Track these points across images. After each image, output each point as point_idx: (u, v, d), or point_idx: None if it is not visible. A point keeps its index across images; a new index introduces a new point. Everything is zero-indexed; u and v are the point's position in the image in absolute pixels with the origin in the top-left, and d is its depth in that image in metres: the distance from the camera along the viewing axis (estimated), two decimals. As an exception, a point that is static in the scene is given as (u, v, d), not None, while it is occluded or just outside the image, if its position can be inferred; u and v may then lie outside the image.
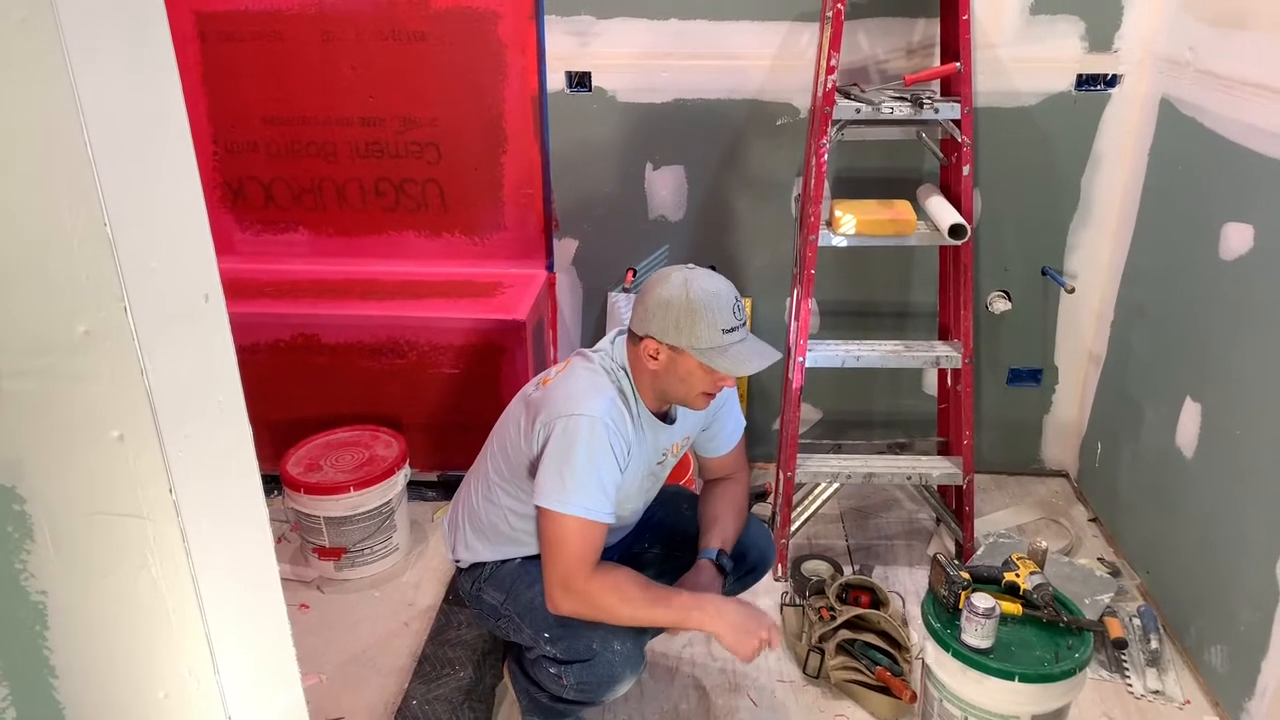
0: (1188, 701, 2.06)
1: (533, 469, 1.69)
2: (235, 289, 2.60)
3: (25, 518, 0.91)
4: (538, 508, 1.65)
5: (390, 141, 2.67)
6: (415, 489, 2.62)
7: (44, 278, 0.82)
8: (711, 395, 1.72)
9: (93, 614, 0.96)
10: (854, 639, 2.09)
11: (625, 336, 1.77)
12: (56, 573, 0.93)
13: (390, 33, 2.55)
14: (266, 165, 2.73)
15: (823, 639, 2.11)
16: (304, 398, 2.60)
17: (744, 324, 1.68)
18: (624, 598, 1.64)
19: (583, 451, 1.61)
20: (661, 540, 2.03)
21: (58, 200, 0.80)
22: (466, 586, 1.90)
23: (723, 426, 1.95)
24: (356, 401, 2.60)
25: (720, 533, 1.89)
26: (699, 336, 1.63)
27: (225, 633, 0.99)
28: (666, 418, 1.81)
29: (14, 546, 0.92)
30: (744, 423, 2.00)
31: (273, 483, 2.34)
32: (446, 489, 2.71)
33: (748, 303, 2.76)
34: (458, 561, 1.92)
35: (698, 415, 1.89)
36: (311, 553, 2.35)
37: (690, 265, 1.71)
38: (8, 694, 0.99)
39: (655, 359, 1.68)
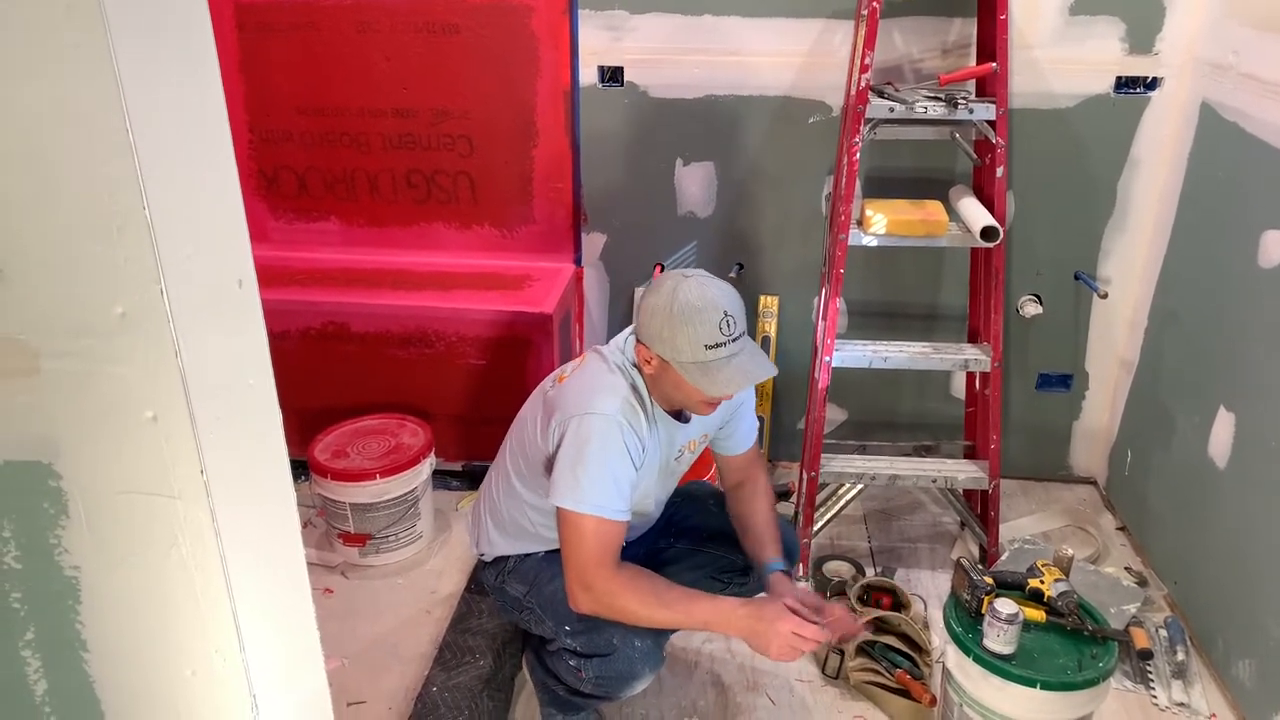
0: (1213, 715, 2.03)
1: (549, 466, 1.70)
2: (267, 276, 2.63)
3: (61, 494, 0.93)
4: (555, 506, 1.66)
5: (423, 133, 2.69)
6: (440, 478, 2.64)
7: (84, 261, 0.84)
8: (713, 404, 1.69)
9: (123, 591, 0.98)
10: (874, 641, 2.08)
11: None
12: (89, 549, 0.95)
13: (425, 25, 2.56)
14: (301, 154, 2.76)
15: (843, 640, 2.10)
16: (333, 385, 2.63)
17: (734, 337, 1.60)
18: (642, 600, 1.63)
19: (596, 450, 1.62)
20: (689, 537, 2.03)
21: (100, 185, 0.81)
22: (490, 579, 1.92)
23: (739, 425, 1.94)
24: (384, 390, 2.63)
25: (773, 542, 1.87)
26: (680, 350, 1.59)
27: (252, 613, 1.01)
28: (681, 415, 1.81)
29: (49, 522, 0.94)
30: (758, 421, 2.00)
31: (300, 468, 2.35)
32: (471, 479, 2.73)
33: (774, 300, 2.75)
34: (481, 555, 1.94)
35: (715, 413, 1.88)
36: (337, 538, 2.37)
37: (687, 272, 1.64)
38: (40, 666, 1.01)
39: (649, 364, 1.66)
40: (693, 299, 1.58)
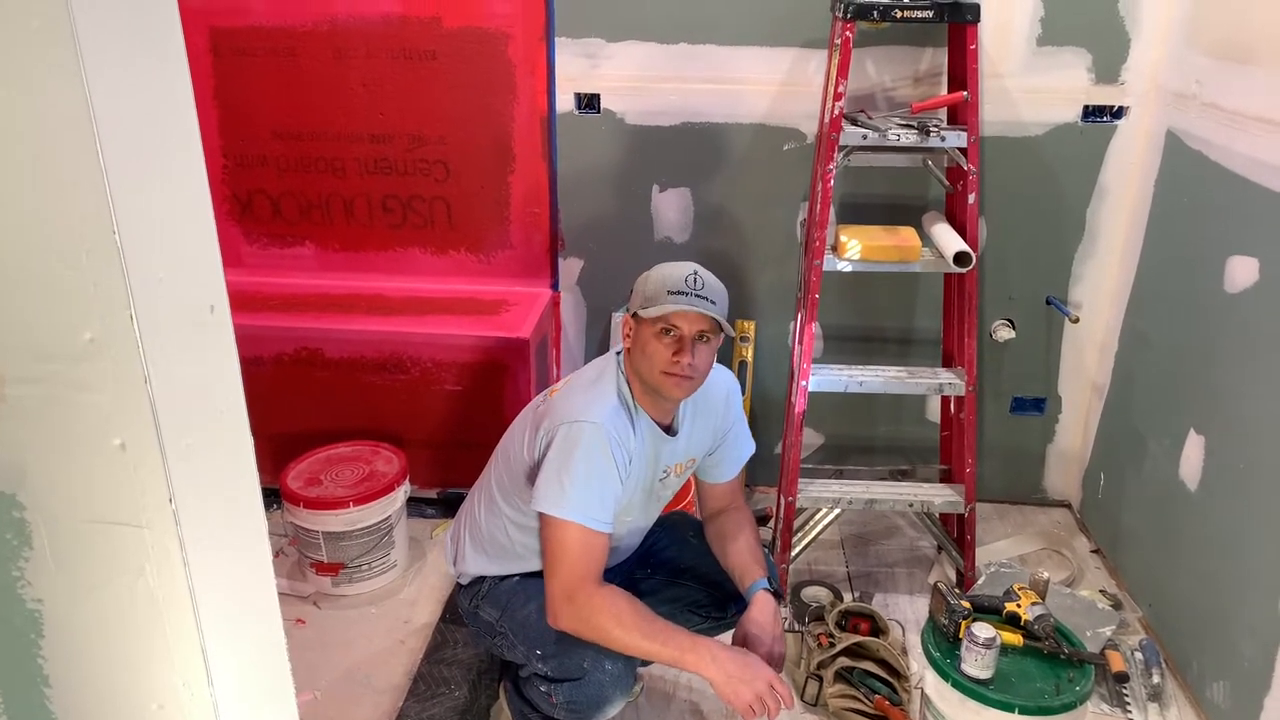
0: (1189, 737, 2.04)
1: (532, 475, 1.69)
2: (240, 301, 2.61)
3: (24, 525, 0.91)
4: (539, 515, 1.65)
5: (399, 159, 2.68)
6: (415, 506, 2.61)
7: (52, 285, 0.83)
8: (671, 374, 1.67)
9: (88, 623, 0.95)
10: (853, 667, 2.07)
11: None
12: (53, 581, 0.93)
13: (401, 51, 2.57)
14: (275, 179, 2.74)
15: (821, 666, 2.10)
16: (306, 412, 2.60)
17: (699, 294, 1.65)
18: (622, 624, 1.62)
19: (583, 458, 1.62)
20: (666, 569, 2.02)
21: (69, 208, 0.80)
22: (465, 603, 1.90)
23: (728, 451, 1.94)
24: (358, 417, 2.60)
25: (756, 561, 1.87)
26: (648, 298, 1.66)
27: (221, 646, 0.98)
28: (670, 430, 1.80)
29: (12, 554, 0.92)
30: (753, 447, 1.99)
31: (272, 496, 2.33)
32: (447, 506, 2.70)
33: (750, 325, 2.76)
34: (459, 577, 1.92)
35: (704, 436, 1.88)
36: (309, 568, 2.34)
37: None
38: (1, 704, 0.98)
39: (628, 336, 1.72)
40: (672, 262, 1.73)
